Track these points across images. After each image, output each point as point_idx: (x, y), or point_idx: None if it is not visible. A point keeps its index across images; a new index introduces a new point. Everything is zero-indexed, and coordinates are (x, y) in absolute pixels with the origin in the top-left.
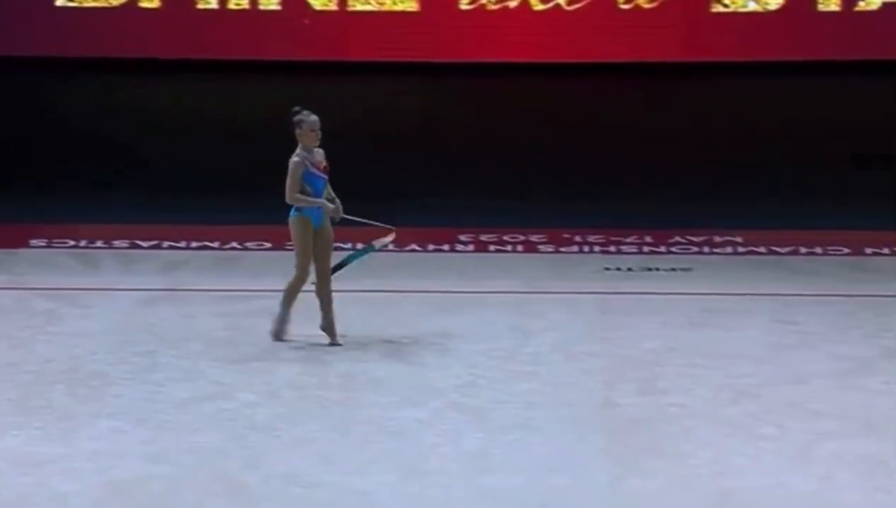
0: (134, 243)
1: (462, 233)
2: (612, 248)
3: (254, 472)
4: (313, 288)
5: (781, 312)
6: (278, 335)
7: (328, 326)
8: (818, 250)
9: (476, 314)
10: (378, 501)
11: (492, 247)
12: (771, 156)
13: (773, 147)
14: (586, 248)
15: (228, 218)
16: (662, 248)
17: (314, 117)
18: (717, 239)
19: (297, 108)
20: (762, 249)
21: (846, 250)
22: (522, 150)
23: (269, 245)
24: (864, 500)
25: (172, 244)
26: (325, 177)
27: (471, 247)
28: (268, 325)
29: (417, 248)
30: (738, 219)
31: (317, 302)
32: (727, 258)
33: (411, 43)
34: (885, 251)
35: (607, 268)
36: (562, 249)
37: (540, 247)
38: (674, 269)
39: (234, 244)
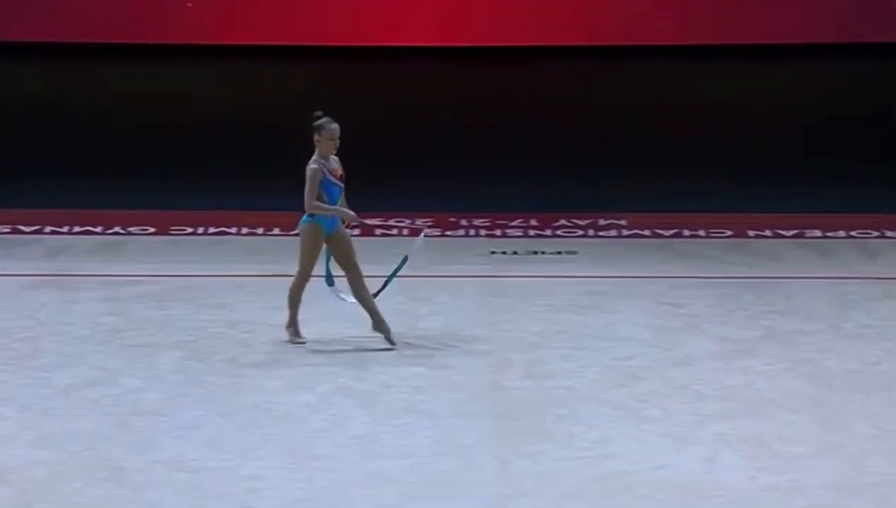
0: (16, 228)
1: None
2: (498, 232)
3: (139, 458)
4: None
5: (666, 295)
6: (293, 338)
7: (378, 324)
8: (701, 233)
9: None
10: (265, 486)
11: (378, 232)
12: (655, 140)
13: (657, 130)
14: (472, 232)
15: (111, 202)
16: (548, 232)
17: (335, 125)
18: (602, 222)
19: (318, 113)
20: (647, 232)
21: (729, 232)
22: (408, 135)
23: (152, 229)
24: (747, 481)
25: (55, 229)
26: (342, 185)
27: (356, 232)
28: (151, 311)
29: None
30: (622, 202)
31: (362, 309)
32: (612, 241)
33: (292, 26)
34: (767, 233)
35: (493, 252)
36: (448, 233)
37: (426, 231)
38: (559, 253)
39: (118, 229)
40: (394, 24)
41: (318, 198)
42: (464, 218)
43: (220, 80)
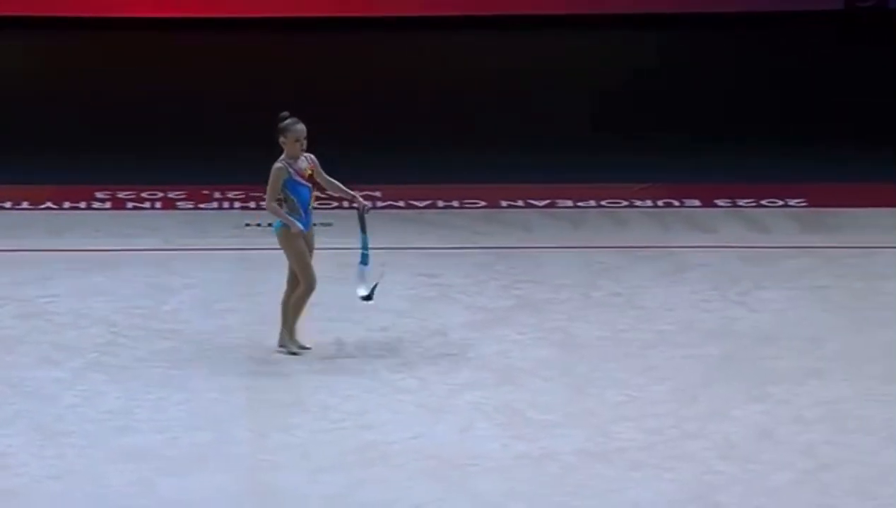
0: None
1: (99, 190)
2: (252, 204)
3: None
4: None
5: (421, 266)
6: (291, 350)
7: (283, 336)
8: (455, 204)
9: (114, 272)
10: (15, 463)
11: (129, 205)
12: (411, 111)
13: (414, 101)
14: (226, 204)
15: None
16: None
17: (301, 126)
18: (359, 195)
19: (284, 114)
20: (401, 203)
21: (482, 203)
22: (155, 108)
23: None
24: (502, 449)
25: None
26: (310, 185)
27: (108, 205)
28: None
29: (53, 206)
30: (376, 173)
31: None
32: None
33: None
34: (519, 204)
35: (248, 225)
36: (201, 206)
37: (179, 203)
38: (315, 225)
39: None
40: None
41: (286, 200)
42: (217, 190)
43: None
